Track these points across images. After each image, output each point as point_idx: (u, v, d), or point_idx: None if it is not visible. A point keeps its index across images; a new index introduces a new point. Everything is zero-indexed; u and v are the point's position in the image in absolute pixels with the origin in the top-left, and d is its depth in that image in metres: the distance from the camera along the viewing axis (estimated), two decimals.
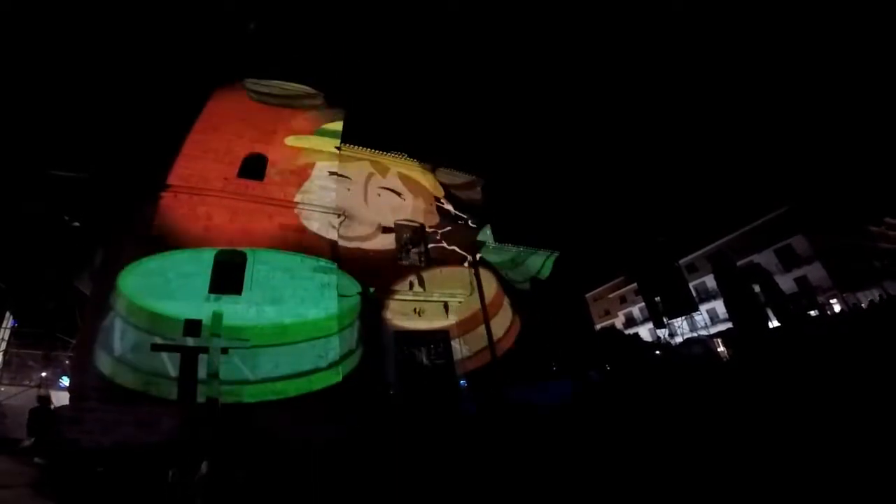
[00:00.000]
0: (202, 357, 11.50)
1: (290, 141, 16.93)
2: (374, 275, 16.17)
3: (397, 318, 15.98)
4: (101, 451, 8.71)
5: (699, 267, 41.53)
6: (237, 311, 12.82)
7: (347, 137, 18.67)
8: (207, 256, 13.34)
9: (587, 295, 57.60)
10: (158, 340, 11.32)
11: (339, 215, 16.21)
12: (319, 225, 15.63)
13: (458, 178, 21.60)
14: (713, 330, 34.61)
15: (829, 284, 32.38)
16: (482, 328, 16.50)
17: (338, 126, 18.42)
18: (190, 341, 11.56)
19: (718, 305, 35.24)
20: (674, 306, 24.58)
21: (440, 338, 16.72)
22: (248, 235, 14.21)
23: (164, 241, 12.94)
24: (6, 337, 16.90)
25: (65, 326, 15.87)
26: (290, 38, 19.21)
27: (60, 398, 11.94)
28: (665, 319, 26.93)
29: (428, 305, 16.81)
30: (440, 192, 20.62)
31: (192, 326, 12.00)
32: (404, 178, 20.05)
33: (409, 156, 20.55)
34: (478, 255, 18.51)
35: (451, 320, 16.99)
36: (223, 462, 6.39)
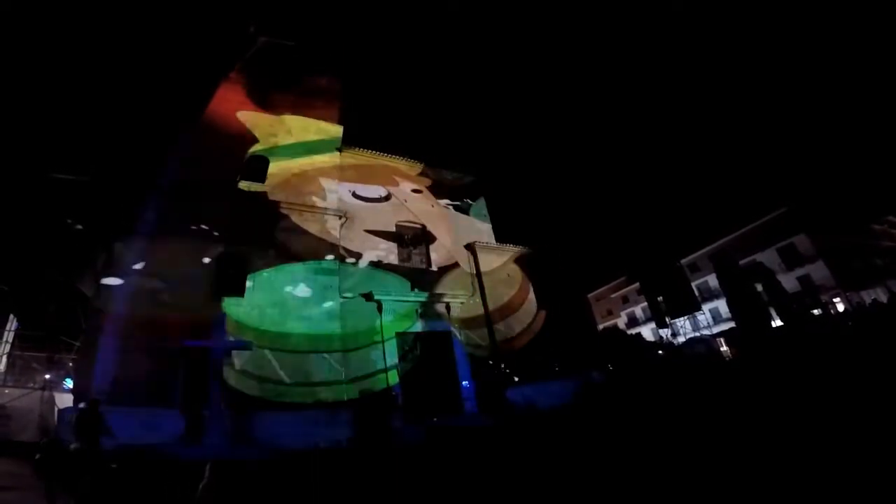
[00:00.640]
0: (205, 359, 11.56)
1: (291, 142, 16.97)
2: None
3: (399, 320, 15.99)
4: (106, 453, 8.73)
5: (701, 266, 41.38)
6: (240, 313, 12.87)
7: (348, 139, 18.72)
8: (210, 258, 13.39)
9: (589, 295, 57.53)
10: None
11: (341, 217, 16.23)
12: (321, 227, 15.66)
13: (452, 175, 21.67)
14: (716, 329, 34.48)
15: (833, 283, 32.23)
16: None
17: (338, 129, 18.47)
18: (194, 343, 11.62)
19: (721, 305, 35.09)
20: (676, 306, 24.48)
21: (442, 338, 16.73)
22: (251, 237, 14.24)
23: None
24: (10, 339, 16.94)
25: (68, 329, 15.90)
26: (291, 39, 19.21)
27: (64, 400, 11.97)
28: (667, 319, 26.80)
29: (430, 306, 16.81)
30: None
31: (197, 328, 12.03)
32: (405, 179, 20.10)
33: (410, 157, 20.57)
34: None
35: (454, 321, 16.99)
36: (227, 466, 6.39)
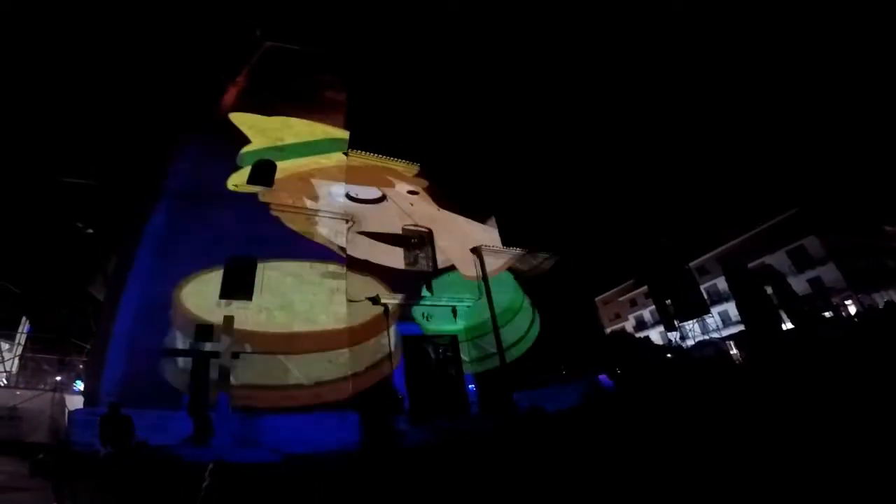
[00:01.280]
0: (213, 361, 11.64)
1: (299, 146, 17.08)
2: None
3: (406, 322, 16.00)
4: (113, 455, 8.79)
5: (710, 269, 41.08)
6: (247, 316, 12.94)
7: (353, 143, 18.82)
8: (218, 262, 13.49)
9: (597, 298, 57.25)
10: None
11: (347, 221, 16.29)
12: (328, 231, 15.73)
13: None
14: (725, 332, 34.16)
15: (844, 285, 31.83)
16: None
17: (344, 133, 18.58)
18: (202, 346, 11.70)
19: (730, 307, 34.79)
20: (685, 309, 24.32)
21: (449, 342, 16.71)
22: (258, 241, 14.33)
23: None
24: (22, 341, 17.18)
25: (79, 331, 16.09)
26: (296, 41, 19.37)
27: (75, 402, 12.09)
28: (676, 322, 26.61)
29: (436, 310, 16.80)
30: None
31: (204, 331, 12.12)
32: (410, 182, 20.17)
33: (415, 160, 20.63)
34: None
35: (460, 324, 16.97)
36: (233, 468, 6.41)
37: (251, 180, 15.49)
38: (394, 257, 17.32)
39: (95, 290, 16.10)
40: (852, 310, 29.81)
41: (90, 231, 14.63)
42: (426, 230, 18.95)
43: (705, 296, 31.80)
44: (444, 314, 16.86)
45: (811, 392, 8.37)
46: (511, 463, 7.87)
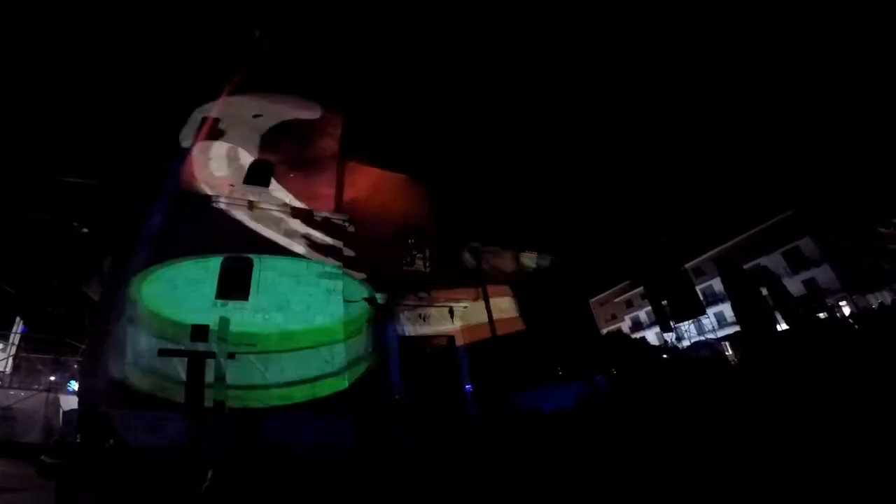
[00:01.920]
0: (209, 361, 11.61)
1: (297, 150, 17.02)
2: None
3: (403, 323, 15.98)
4: (112, 454, 8.75)
5: (706, 270, 41.19)
6: (244, 316, 12.90)
7: (351, 147, 18.80)
8: (214, 263, 13.44)
9: (593, 300, 57.30)
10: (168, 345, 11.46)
11: (343, 221, 16.27)
12: (324, 231, 15.71)
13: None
14: (721, 333, 34.26)
15: (838, 286, 31.99)
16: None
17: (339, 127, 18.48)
18: (197, 346, 11.67)
19: (726, 308, 34.86)
20: (681, 310, 24.34)
21: (445, 342, 16.71)
22: (255, 241, 14.30)
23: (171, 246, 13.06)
24: (16, 341, 17.06)
25: (74, 331, 16.00)
26: (294, 45, 19.35)
27: (69, 402, 12.02)
28: (672, 323, 26.65)
29: (433, 311, 16.79)
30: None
31: (200, 331, 12.08)
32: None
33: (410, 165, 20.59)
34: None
35: (457, 325, 16.96)
36: (229, 470, 6.40)
37: (248, 180, 15.46)
38: (391, 258, 17.30)
39: (90, 290, 16.01)
40: (847, 311, 29.97)
41: (85, 231, 14.56)
42: (425, 230, 18.90)
43: (701, 297, 31.88)
44: (440, 315, 16.87)
45: (806, 393, 8.41)
46: (508, 463, 7.88)
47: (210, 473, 6.12)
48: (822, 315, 25.22)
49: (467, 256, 18.86)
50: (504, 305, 18.58)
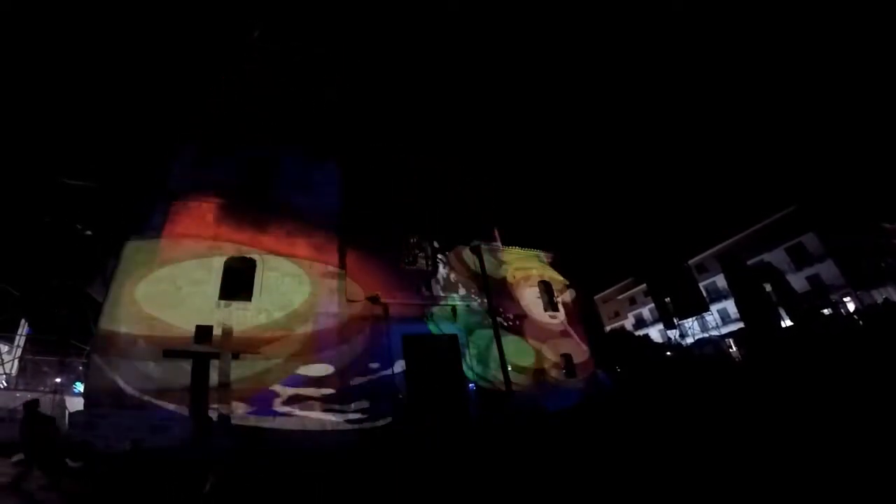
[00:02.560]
0: (213, 362, 11.65)
1: None
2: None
3: (405, 323, 15.98)
4: (113, 456, 8.80)
5: (709, 267, 41.11)
6: (247, 317, 12.94)
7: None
8: (217, 263, 13.47)
9: (596, 297, 57.29)
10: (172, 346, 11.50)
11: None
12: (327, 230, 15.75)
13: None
14: (724, 330, 34.21)
15: (843, 283, 31.88)
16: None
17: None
18: (201, 347, 11.71)
19: (729, 305, 34.80)
20: (684, 307, 24.37)
21: (449, 342, 16.70)
22: (258, 242, 14.33)
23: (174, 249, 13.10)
24: (21, 343, 17.17)
25: (78, 333, 16.09)
26: (294, 45, 19.36)
27: (74, 403, 12.09)
28: (675, 320, 26.67)
29: (436, 309, 16.79)
30: None
31: (203, 332, 12.11)
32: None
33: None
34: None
35: (459, 325, 16.95)
36: (231, 472, 6.43)
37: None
38: (393, 256, 17.30)
39: (95, 292, 16.09)
40: (851, 307, 29.87)
41: (89, 233, 14.61)
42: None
43: (704, 293, 31.87)
44: (443, 314, 16.87)
45: (810, 389, 8.39)
46: (512, 462, 7.88)
47: (210, 477, 6.15)
48: (826, 311, 25.13)
49: (469, 255, 18.83)
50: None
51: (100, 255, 14.95)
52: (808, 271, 33.87)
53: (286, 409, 12.12)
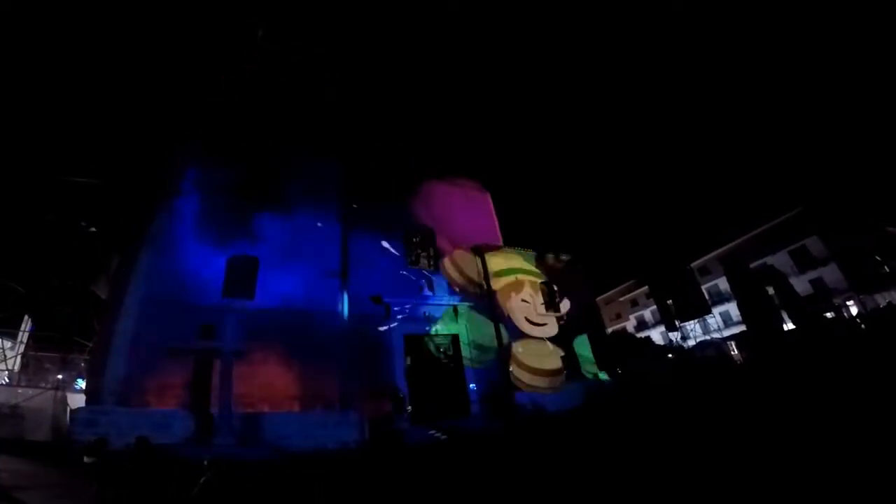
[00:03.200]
0: (216, 360, 11.67)
1: None
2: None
3: (407, 322, 15.98)
4: (116, 453, 8.82)
5: (712, 269, 40.98)
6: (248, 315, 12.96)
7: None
8: (220, 261, 13.51)
9: (598, 298, 57.15)
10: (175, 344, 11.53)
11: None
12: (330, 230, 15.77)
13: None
14: (727, 333, 34.09)
15: (846, 286, 31.74)
16: None
17: None
18: (204, 345, 11.73)
19: (732, 308, 34.71)
20: (686, 309, 24.24)
21: (450, 341, 16.71)
22: (260, 240, 14.35)
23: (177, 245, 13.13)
24: (24, 340, 17.21)
25: (81, 330, 16.13)
26: (294, 45, 19.40)
27: (76, 400, 12.12)
28: (677, 322, 26.55)
29: (438, 309, 16.80)
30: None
31: (207, 330, 12.13)
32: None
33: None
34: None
35: (461, 324, 16.94)
36: (226, 470, 6.42)
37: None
38: (395, 256, 17.31)
39: (98, 289, 16.14)
40: (854, 311, 29.74)
41: (93, 230, 14.66)
42: (429, 228, 18.88)
43: (706, 296, 31.72)
44: (445, 314, 16.87)
45: (812, 393, 8.36)
46: (513, 462, 7.88)
47: (207, 466, 6.15)
48: (829, 315, 25.03)
49: (471, 256, 18.83)
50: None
51: (103, 252, 15.00)
52: (812, 274, 33.73)
53: (288, 407, 12.13)
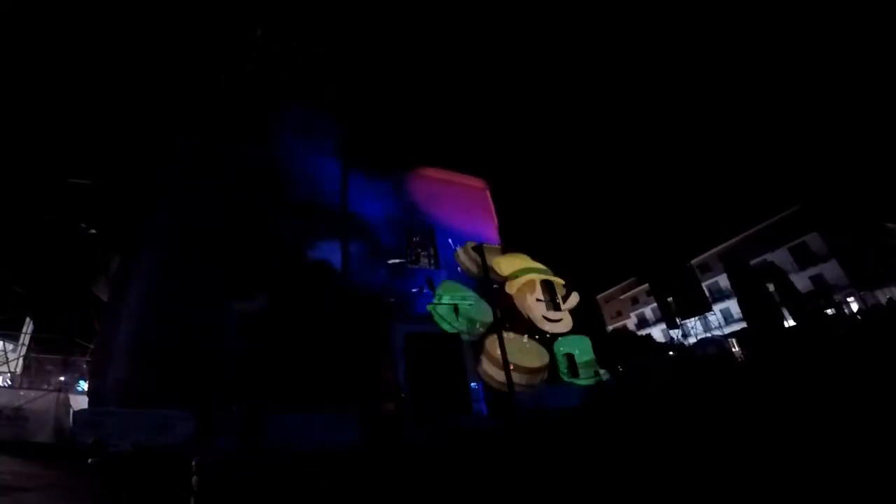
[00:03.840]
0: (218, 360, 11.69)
1: None
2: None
3: (407, 321, 16.00)
4: (118, 455, 8.85)
5: (712, 266, 41.01)
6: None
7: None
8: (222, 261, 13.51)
9: (598, 296, 57.16)
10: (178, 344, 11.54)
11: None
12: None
13: None
14: (727, 330, 34.15)
15: (846, 283, 31.78)
16: None
17: None
18: (205, 345, 11.75)
19: (732, 305, 34.74)
20: (686, 307, 24.28)
21: (451, 340, 16.71)
22: (261, 240, 14.36)
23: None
24: (26, 342, 17.26)
25: (82, 332, 16.17)
26: (294, 45, 19.40)
27: (79, 402, 12.15)
28: (678, 320, 26.60)
29: (439, 308, 16.79)
30: None
31: (208, 331, 12.15)
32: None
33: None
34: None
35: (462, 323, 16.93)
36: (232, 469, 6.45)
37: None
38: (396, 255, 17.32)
39: (99, 291, 16.16)
40: (855, 307, 29.77)
41: (93, 231, 14.68)
42: (429, 227, 18.89)
43: (707, 293, 31.77)
44: (446, 312, 16.85)
45: (814, 390, 8.36)
46: (515, 462, 7.89)
47: (195, 467, 6.17)
48: (830, 311, 25.06)
49: (472, 253, 18.81)
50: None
51: (104, 254, 15.02)
52: (812, 271, 33.78)
53: (290, 406, 12.15)
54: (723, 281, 35.53)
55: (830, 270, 32.84)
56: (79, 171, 14.95)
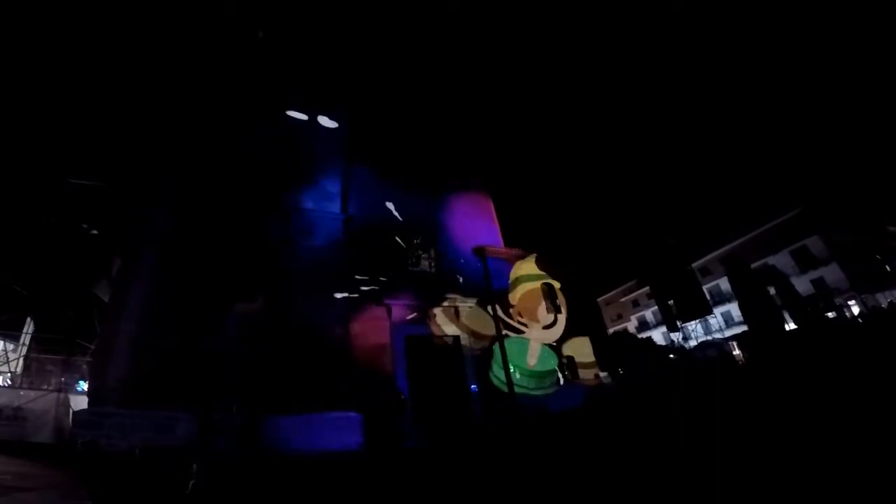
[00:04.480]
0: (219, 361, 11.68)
1: None
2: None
3: (408, 324, 16.00)
4: (118, 455, 8.85)
5: (713, 269, 41.00)
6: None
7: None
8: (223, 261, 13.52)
9: (599, 299, 57.18)
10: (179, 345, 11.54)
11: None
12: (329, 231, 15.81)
13: None
14: (728, 333, 34.15)
15: (847, 286, 31.76)
16: None
17: None
18: (207, 346, 11.75)
19: (733, 308, 34.72)
20: (687, 310, 24.21)
21: (452, 342, 16.71)
22: (263, 242, 14.37)
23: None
24: (26, 342, 17.29)
25: (83, 332, 16.19)
26: (294, 45, 19.46)
27: (79, 402, 12.16)
28: (679, 323, 26.55)
29: (439, 310, 16.80)
30: None
31: (209, 331, 12.15)
32: None
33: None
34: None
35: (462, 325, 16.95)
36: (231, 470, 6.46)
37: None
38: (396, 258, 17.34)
39: (99, 291, 16.19)
40: (856, 310, 29.73)
41: (94, 232, 14.71)
42: (430, 229, 18.88)
43: (708, 296, 31.72)
44: (446, 315, 16.87)
45: (815, 393, 8.35)
46: (515, 464, 7.88)
47: (194, 472, 6.18)
48: (831, 314, 25.04)
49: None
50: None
51: (105, 254, 15.04)
52: (813, 274, 33.76)
53: (290, 409, 12.14)
54: (724, 284, 35.53)
55: (831, 273, 32.83)
56: (80, 172, 14.99)
